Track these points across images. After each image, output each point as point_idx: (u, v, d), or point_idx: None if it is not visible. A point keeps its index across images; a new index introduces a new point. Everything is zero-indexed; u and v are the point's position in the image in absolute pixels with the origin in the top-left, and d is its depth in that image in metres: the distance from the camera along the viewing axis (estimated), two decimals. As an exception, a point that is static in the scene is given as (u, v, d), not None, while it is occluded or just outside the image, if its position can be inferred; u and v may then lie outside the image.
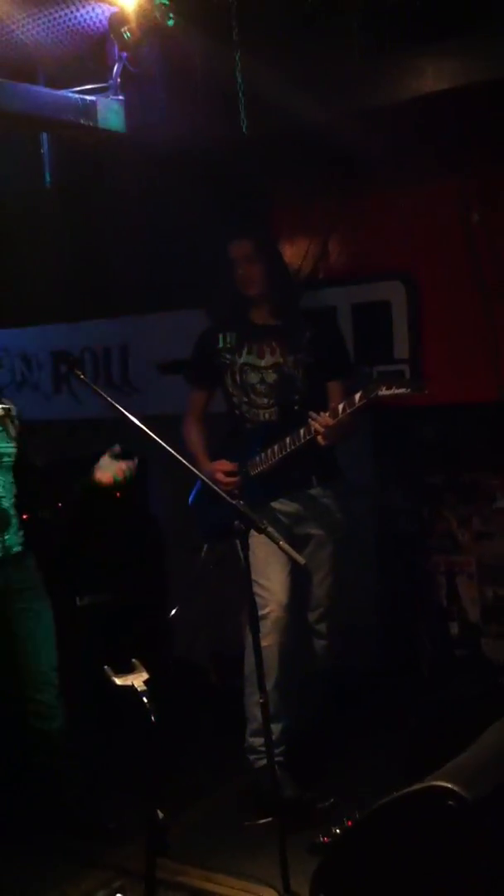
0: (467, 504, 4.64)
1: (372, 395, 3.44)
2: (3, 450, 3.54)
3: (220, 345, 3.90)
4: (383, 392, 3.43)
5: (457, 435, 4.65)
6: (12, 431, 3.57)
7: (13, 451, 3.57)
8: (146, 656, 2.58)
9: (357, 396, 3.47)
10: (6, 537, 3.49)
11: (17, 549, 3.52)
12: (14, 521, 3.54)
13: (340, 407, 3.51)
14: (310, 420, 3.55)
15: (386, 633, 4.78)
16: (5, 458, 3.55)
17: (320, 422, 3.52)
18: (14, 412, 3.62)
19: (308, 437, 3.59)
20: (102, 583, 4.83)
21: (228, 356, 3.88)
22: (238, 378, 3.86)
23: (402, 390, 3.45)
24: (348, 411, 3.49)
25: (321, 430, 3.53)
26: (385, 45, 3.83)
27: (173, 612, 4.70)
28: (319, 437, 3.55)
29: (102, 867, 3.37)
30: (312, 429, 3.55)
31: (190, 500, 3.99)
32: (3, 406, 3.58)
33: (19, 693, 3.59)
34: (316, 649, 3.95)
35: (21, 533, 3.57)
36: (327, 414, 3.53)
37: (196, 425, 4.03)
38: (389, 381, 3.49)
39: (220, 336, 3.91)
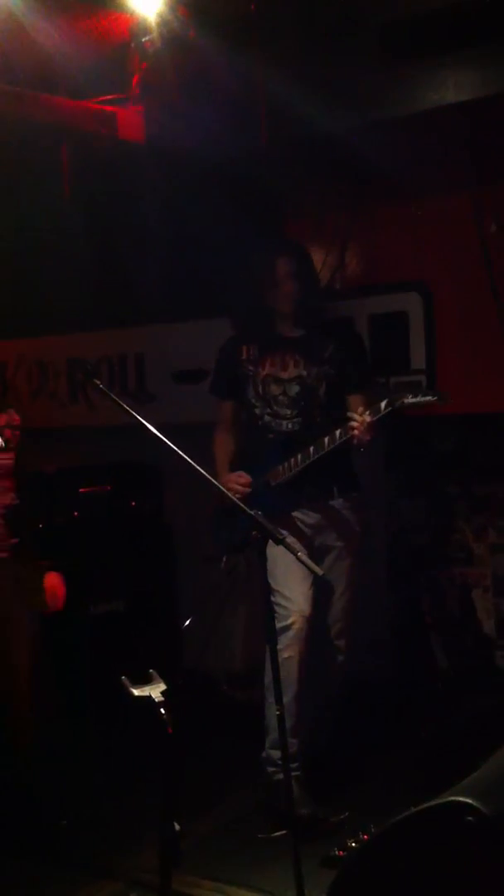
0: (482, 515, 4.62)
1: (397, 403, 3.44)
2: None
3: (243, 356, 3.91)
4: (409, 400, 3.44)
5: (471, 445, 4.64)
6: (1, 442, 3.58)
7: (8, 462, 3.57)
8: (157, 666, 2.57)
9: (383, 405, 3.48)
10: None
11: None
12: (3, 529, 3.53)
13: (368, 413, 3.52)
14: (349, 418, 3.54)
15: (399, 646, 4.76)
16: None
17: (359, 420, 3.51)
18: (12, 420, 3.63)
19: (344, 438, 3.58)
20: (115, 591, 4.84)
21: (251, 367, 3.89)
22: (260, 389, 3.87)
23: (427, 398, 3.45)
24: (375, 417, 3.50)
25: (360, 427, 3.52)
26: (405, 57, 3.84)
27: (187, 622, 4.70)
28: (356, 434, 3.53)
29: (113, 878, 3.35)
30: (349, 427, 3.54)
31: (213, 512, 3.98)
32: None
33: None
34: (332, 663, 3.92)
35: (13, 542, 3.56)
36: (366, 413, 3.52)
37: (223, 436, 4.03)
38: (415, 390, 3.49)
39: (243, 347, 3.92)
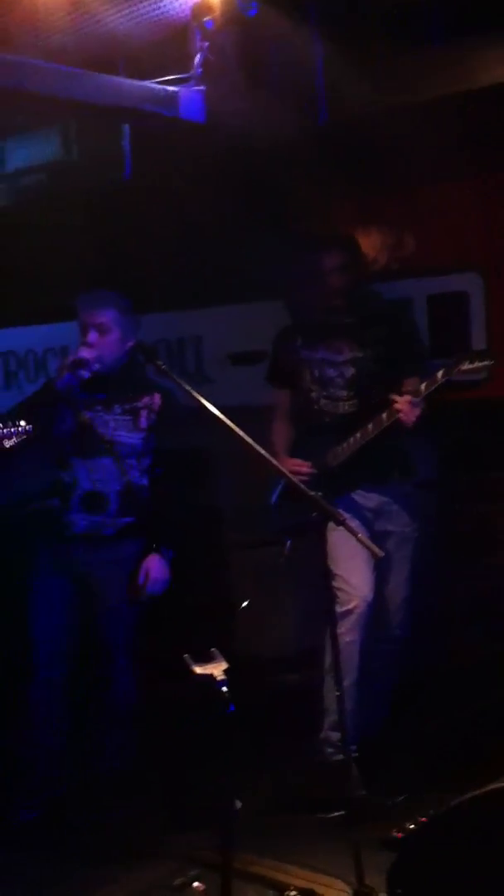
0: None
1: (454, 370, 3.44)
2: (119, 438, 3.65)
3: (298, 343, 3.93)
4: (465, 367, 3.44)
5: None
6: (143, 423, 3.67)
7: (134, 442, 3.66)
8: (211, 648, 2.58)
9: (440, 374, 3.49)
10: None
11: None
12: (113, 506, 3.63)
13: (423, 385, 3.54)
14: (392, 401, 3.54)
15: (448, 631, 4.72)
16: (118, 446, 3.64)
17: (402, 401, 3.50)
18: (153, 404, 3.70)
19: (391, 421, 3.59)
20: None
21: (306, 353, 3.91)
22: (316, 373, 3.89)
23: (484, 363, 3.45)
24: (431, 388, 3.51)
25: (405, 408, 3.50)
26: (464, 33, 3.79)
27: (244, 605, 4.71)
28: (402, 417, 3.53)
29: (169, 856, 3.39)
30: (395, 410, 3.54)
31: (272, 498, 3.99)
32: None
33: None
34: (389, 648, 3.92)
35: (123, 520, 3.65)
36: (409, 394, 3.53)
37: (280, 423, 4.06)
38: (471, 357, 3.48)
39: (298, 335, 3.95)
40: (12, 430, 3.30)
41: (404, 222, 4.67)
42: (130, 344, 3.71)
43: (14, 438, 3.29)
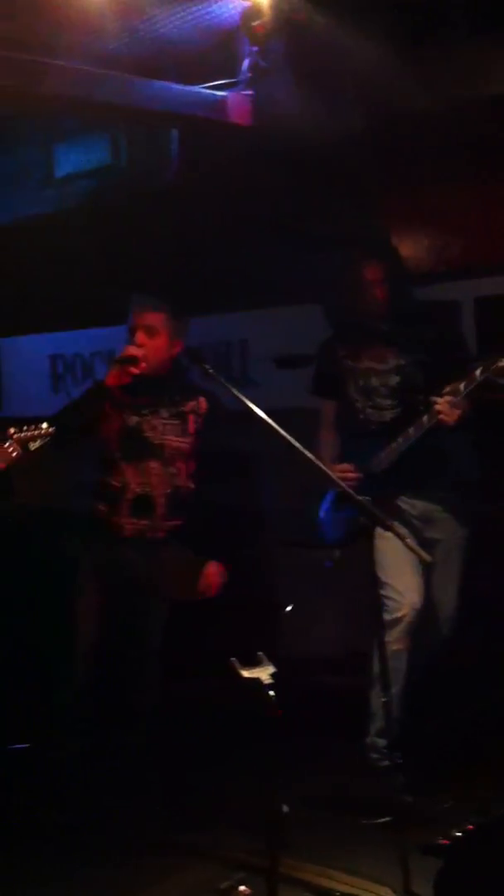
0: None
1: (492, 367, 3.41)
2: (169, 442, 3.66)
3: (341, 353, 3.93)
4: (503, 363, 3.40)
5: None
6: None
7: (183, 446, 3.68)
8: (256, 652, 2.58)
9: (478, 371, 3.46)
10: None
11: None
12: (161, 510, 3.65)
13: (462, 385, 3.50)
14: (432, 403, 3.53)
15: (494, 637, 4.68)
16: (168, 450, 3.66)
17: (442, 402, 3.50)
18: (199, 408, 3.72)
19: (432, 422, 3.57)
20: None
21: (350, 363, 3.91)
22: (361, 383, 3.88)
23: None
24: (470, 387, 3.48)
25: (445, 409, 3.50)
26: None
27: (288, 608, 4.71)
28: (443, 418, 3.52)
29: (212, 859, 3.39)
30: (435, 412, 3.53)
31: (321, 511, 3.98)
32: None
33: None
34: (436, 654, 3.90)
35: (170, 524, 3.67)
36: (448, 395, 3.51)
37: (326, 432, 4.04)
38: None
39: (340, 344, 3.95)
40: (35, 432, 3.30)
41: (451, 223, 4.65)
42: (177, 349, 3.70)
43: (38, 441, 3.30)
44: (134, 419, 3.68)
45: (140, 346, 3.61)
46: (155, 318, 3.64)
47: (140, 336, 3.62)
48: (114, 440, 3.70)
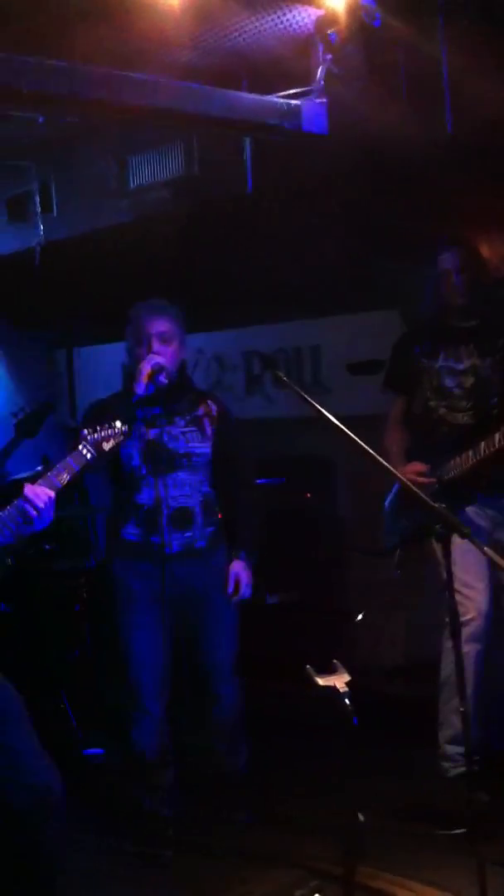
0: None
1: None
2: (194, 450, 3.63)
3: (417, 350, 3.89)
4: None
5: None
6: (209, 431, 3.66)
7: (206, 451, 3.64)
8: (329, 658, 2.57)
9: None
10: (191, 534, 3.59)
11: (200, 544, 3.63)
12: (199, 518, 3.61)
13: None
14: None
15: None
16: (194, 458, 3.63)
17: None
18: (211, 410, 3.70)
19: (502, 443, 3.52)
20: (291, 581, 4.87)
21: (425, 361, 3.87)
22: (435, 382, 3.84)
23: None
24: None
25: None
26: None
27: (359, 616, 4.69)
28: None
29: (288, 865, 3.40)
30: None
31: (385, 503, 3.96)
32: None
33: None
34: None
35: (209, 531, 3.64)
36: None
37: (396, 431, 4.01)
38: None
39: (417, 340, 3.91)
40: (109, 431, 3.20)
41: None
42: (184, 357, 3.70)
43: (112, 441, 3.20)
44: (151, 433, 3.60)
45: (158, 353, 3.57)
46: (167, 325, 3.63)
47: (155, 344, 3.59)
48: (134, 454, 3.60)
